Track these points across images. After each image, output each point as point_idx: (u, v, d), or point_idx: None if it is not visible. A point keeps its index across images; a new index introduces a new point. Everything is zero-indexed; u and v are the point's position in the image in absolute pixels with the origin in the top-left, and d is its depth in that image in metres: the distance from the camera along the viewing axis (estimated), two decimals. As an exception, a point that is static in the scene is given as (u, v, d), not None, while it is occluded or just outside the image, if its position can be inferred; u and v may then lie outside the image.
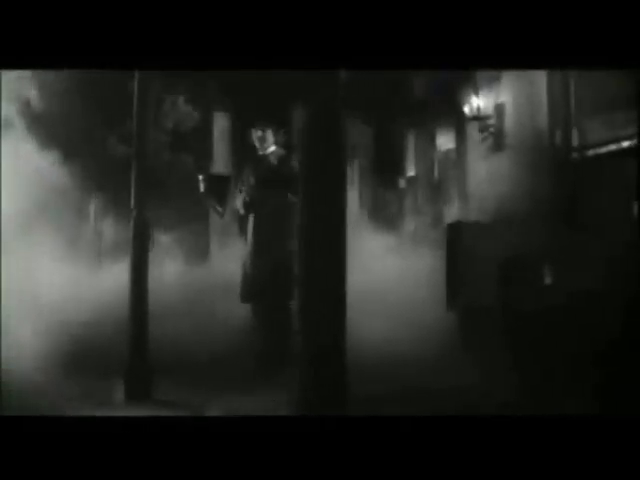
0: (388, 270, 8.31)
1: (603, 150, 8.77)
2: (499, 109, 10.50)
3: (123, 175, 6.83)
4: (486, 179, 10.36)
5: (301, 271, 3.97)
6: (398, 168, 11.78)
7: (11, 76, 8.78)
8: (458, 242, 7.96)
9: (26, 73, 9.42)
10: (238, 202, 7.00)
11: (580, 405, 5.07)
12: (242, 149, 8.42)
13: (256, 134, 6.91)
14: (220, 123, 12.15)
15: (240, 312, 7.10)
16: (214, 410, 5.31)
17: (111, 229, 10.64)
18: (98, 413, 5.29)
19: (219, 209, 7.11)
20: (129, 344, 6.19)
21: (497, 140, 10.44)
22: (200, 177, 7.09)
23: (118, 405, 5.98)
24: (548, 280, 7.25)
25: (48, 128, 9.81)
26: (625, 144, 8.39)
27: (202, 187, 7.01)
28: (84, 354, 6.74)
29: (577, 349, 6.38)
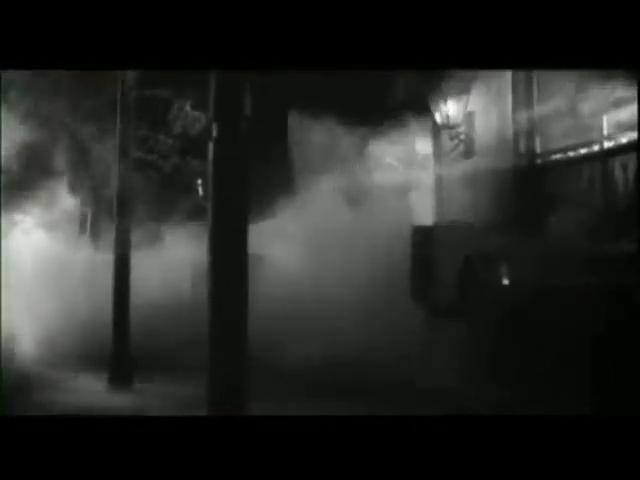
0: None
1: (568, 156, 8.94)
2: (468, 118, 10.72)
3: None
4: (456, 184, 10.64)
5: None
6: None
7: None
8: (423, 244, 8.43)
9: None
10: None
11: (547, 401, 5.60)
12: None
13: None
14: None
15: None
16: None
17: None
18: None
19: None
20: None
21: (467, 147, 10.74)
22: (199, 182, 7.89)
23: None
24: (512, 279, 7.56)
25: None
26: (589, 150, 8.64)
27: (200, 191, 7.82)
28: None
29: (541, 345, 6.83)
